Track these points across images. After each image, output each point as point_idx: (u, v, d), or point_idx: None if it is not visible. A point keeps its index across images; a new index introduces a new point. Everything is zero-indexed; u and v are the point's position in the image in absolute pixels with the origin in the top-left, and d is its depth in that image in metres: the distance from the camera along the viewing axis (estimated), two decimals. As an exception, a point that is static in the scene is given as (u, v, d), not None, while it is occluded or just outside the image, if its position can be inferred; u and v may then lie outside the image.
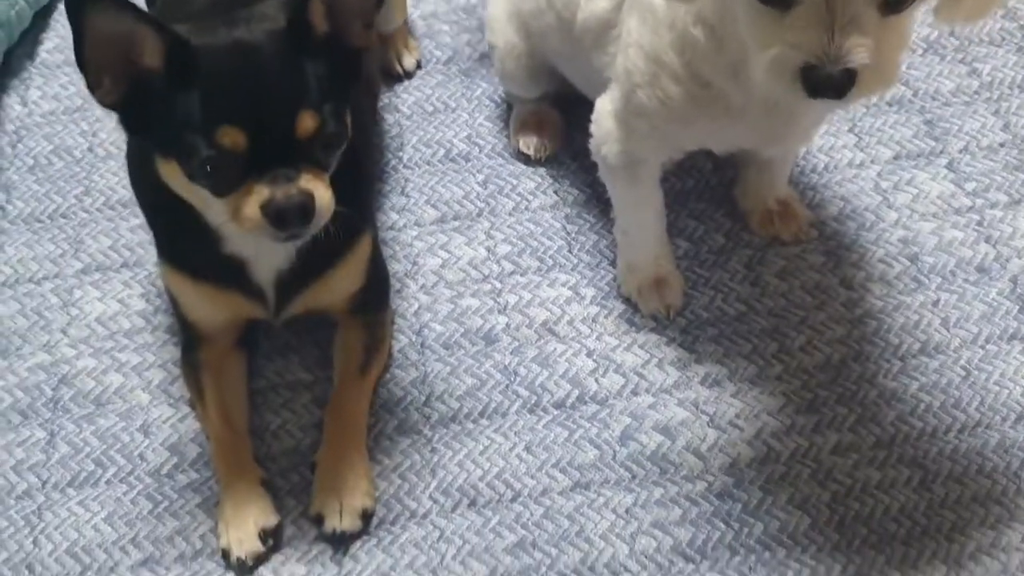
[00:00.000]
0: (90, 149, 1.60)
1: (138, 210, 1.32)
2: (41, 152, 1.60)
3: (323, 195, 1.03)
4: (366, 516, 1.19)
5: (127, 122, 1.07)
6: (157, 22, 1.00)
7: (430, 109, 1.64)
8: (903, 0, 0.91)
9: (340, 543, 1.18)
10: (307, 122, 1.01)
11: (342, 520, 1.17)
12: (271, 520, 1.18)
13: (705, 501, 1.21)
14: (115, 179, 1.54)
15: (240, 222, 1.02)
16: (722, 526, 1.19)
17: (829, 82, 0.91)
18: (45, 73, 1.72)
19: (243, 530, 1.17)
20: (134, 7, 0.98)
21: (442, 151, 1.58)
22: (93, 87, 1.01)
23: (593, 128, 1.29)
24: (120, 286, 1.43)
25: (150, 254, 1.43)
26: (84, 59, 0.99)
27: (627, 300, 1.38)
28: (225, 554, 1.17)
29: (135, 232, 1.47)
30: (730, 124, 1.16)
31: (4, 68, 1.70)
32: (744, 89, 1.08)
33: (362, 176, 1.26)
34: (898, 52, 0.95)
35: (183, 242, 1.20)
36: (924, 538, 1.17)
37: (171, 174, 1.06)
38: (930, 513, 1.19)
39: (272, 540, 1.18)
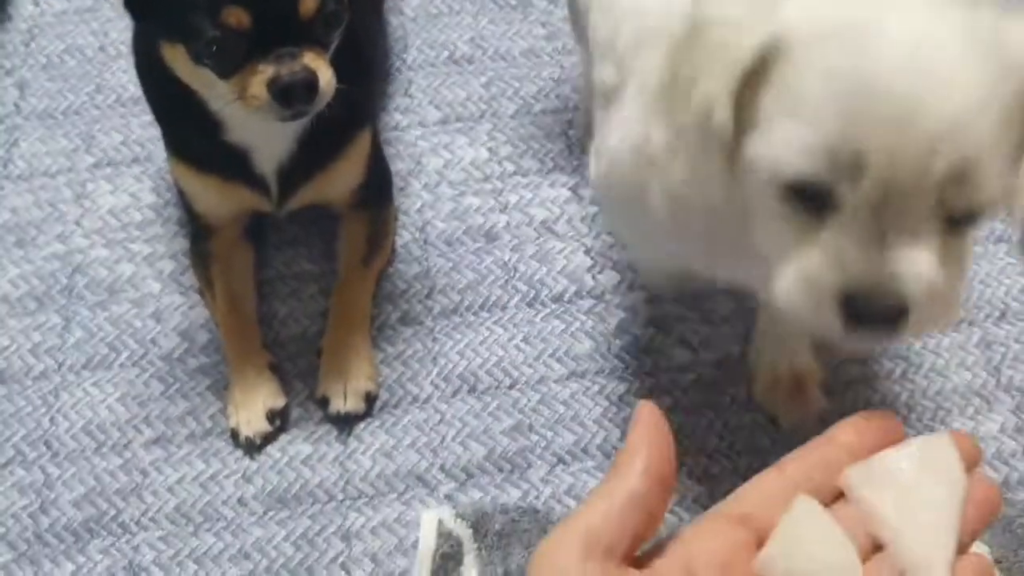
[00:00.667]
0: (101, 48, 1.62)
1: (148, 107, 1.35)
2: (54, 51, 1.62)
3: (325, 73, 1.06)
4: (369, 398, 1.24)
5: (133, 7, 1.09)
6: None
7: (434, 12, 1.66)
8: (976, 214, 0.68)
9: (344, 424, 1.23)
10: (309, 2, 1.04)
11: (346, 402, 1.22)
12: (278, 402, 1.23)
13: (695, 391, 1.25)
14: (126, 77, 1.57)
15: (246, 101, 1.05)
16: (710, 414, 1.23)
17: (875, 316, 0.69)
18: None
19: (251, 411, 1.22)
20: None
21: (446, 53, 1.61)
22: None
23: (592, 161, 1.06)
24: (131, 180, 1.46)
25: (160, 150, 1.46)
26: None
27: (625, 200, 1.41)
28: (234, 434, 1.22)
29: (145, 128, 1.50)
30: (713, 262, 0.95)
31: (15, -31, 1.72)
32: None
33: (363, 72, 1.28)
34: (960, 283, 0.72)
35: (188, 134, 1.23)
36: (904, 427, 1.21)
37: (176, 59, 1.08)
38: (911, 403, 1.23)
39: (279, 421, 1.23)
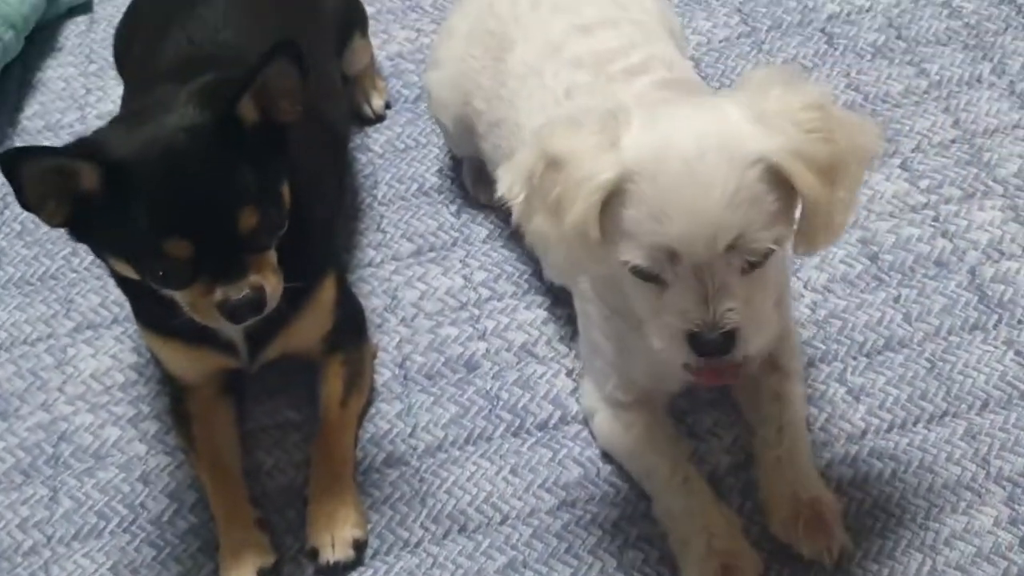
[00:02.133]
0: (74, 210, 1.65)
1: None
2: (28, 217, 1.63)
3: (272, 282, 1.10)
4: (358, 546, 1.23)
5: (76, 233, 1.11)
6: (88, 153, 1.05)
7: (401, 147, 1.69)
8: (760, 259, 0.99)
9: (336, 575, 1.22)
10: (248, 219, 1.07)
11: (334, 551, 1.22)
12: (268, 559, 1.22)
13: (686, 508, 1.24)
14: (100, 238, 1.59)
15: (198, 315, 1.09)
16: (704, 531, 1.22)
17: (714, 346, 1.00)
18: (26, 139, 1.77)
19: (242, 571, 1.21)
20: (65, 149, 1.06)
21: (415, 186, 1.63)
22: (37, 211, 1.06)
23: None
24: (112, 342, 1.48)
25: (138, 309, 1.48)
26: (26, 202, 1.04)
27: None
28: (227, 596, 1.21)
29: (122, 288, 1.52)
30: None
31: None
32: None
33: (316, 222, 1.30)
34: (769, 301, 1.04)
35: (151, 307, 1.23)
36: (899, 528, 1.21)
37: (125, 270, 1.11)
38: (903, 503, 1.23)
39: (271, 578, 1.22)
